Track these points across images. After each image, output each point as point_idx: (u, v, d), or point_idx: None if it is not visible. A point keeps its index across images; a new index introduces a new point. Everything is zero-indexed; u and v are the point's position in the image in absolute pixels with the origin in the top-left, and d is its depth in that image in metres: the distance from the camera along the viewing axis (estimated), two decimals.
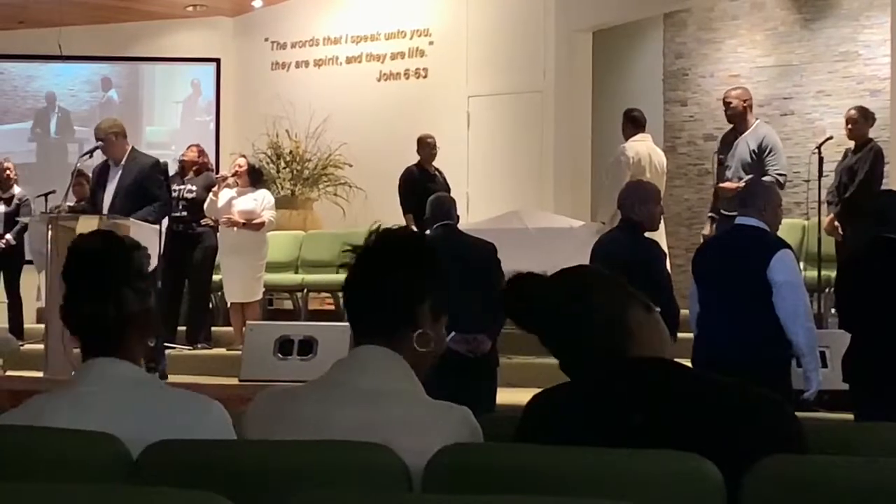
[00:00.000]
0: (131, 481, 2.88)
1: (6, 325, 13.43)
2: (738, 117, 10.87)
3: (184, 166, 13.00)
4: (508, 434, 3.09)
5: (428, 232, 8.07)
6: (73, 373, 9.38)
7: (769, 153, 10.68)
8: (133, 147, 11.54)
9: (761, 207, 6.94)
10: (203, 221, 12.77)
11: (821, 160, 11.25)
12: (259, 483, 2.79)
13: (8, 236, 13.97)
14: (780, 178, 10.53)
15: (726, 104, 10.98)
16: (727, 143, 10.94)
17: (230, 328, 13.05)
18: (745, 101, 10.92)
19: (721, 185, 10.82)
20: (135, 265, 3.28)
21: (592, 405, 2.96)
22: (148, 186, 11.03)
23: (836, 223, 11.11)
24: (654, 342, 3.08)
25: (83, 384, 3.23)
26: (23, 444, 3.06)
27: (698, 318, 7.02)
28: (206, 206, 12.59)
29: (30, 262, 13.60)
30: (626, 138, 11.98)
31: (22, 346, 13.08)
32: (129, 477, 2.91)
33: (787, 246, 6.87)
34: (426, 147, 13.55)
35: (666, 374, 2.96)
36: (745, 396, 2.90)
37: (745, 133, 10.81)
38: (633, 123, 12.04)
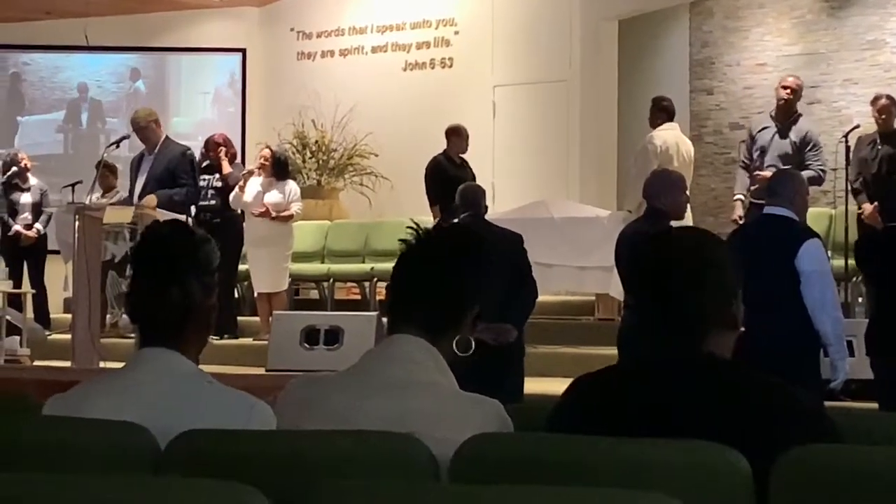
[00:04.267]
0: (159, 472, 2.89)
1: (32, 316, 13.48)
2: (793, 105, 11.07)
3: (213, 165, 12.94)
4: (537, 424, 3.10)
5: (456, 221, 8.07)
6: (99, 364, 9.45)
7: (812, 148, 10.87)
8: (167, 136, 11.67)
9: (791, 196, 6.94)
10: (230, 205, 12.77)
11: (847, 149, 11.23)
12: (287, 473, 2.79)
13: (38, 225, 14.03)
14: (822, 174, 10.73)
15: (793, 90, 11.11)
16: (772, 131, 11.06)
17: (256, 318, 13.09)
18: (800, 91, 11.21)
19: (760, 174, 10.79)
20: (203, 257, 3.28)
21: (631, 393, 2.97)
22: (176, 175, 11.15)
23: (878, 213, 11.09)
24: (723, 349, 3.06)
25: (134, 373, 3.24)
26: (51, 433, 3.07)
27: None
28: (231, 198, 12.62)
29: (53, 252, 13.66)
30: (654, 126, 11.94)
31: (49, 335, 13.15)
32: (157, 467, 2.92)
33: (816, 235, 6.88)
34: (461, 138, 13.38)
35: (705, 366, 2.96)
36: (782, 396, 2.90)
37: (787, 123, 10.95)
38: (663, 112, 12.01)
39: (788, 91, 11.06)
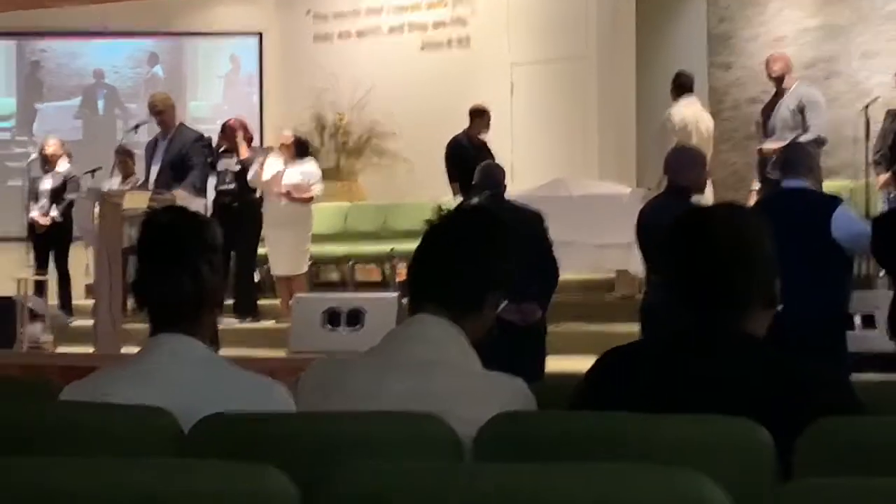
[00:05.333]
0: (183, 454, 2.90)
1: (56, 302, 13.51)
2: (786, 75, 11.33)
3: (230, 149, 12.92)
4: (559, 402, 3.09)
5: (475, 200, 8.04)
6: (121, 349, 9.47)
7: (810, 108, 11.04)
8: (181, 122, 11.72)
9: (808, 169, 6.95)
10: (252, 188, 12.74)
11: (867, 121, 11.22)
12: (310, 454, 2.79)
13: (53, 213, 14.02)
14: (822, 134, 10.90)
15: (778, 59, 11.50)
16: (771, 105, 11.35)
17: (276, 301, 13.10)
18: (789, 60, 11.53)
19: (764, 146, 10.96)
20: (208, 239, 3.29)
21: (656, 367, 2.96)
22: (187, 158, 11.19)
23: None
24: (759, 328, 3.05)
25: (152, 358, 3.24)
26: (75, 417, 3.08)
27: None
28: (250, 176, 12.58)
29: (78, 239, 13.69)
30: (675, 101, 11.97)
31: (71, 322, 13.18)
32: (181, 450, 2.92)
33: (840, 200, 6.90)
34: (483, 120, 13.37)
35: (743, 345, 2.96)
36: (807, 371, 2.90)
37: (785, 95, 11.20)
38: (677, 87, 12.02)
39: (777, 64, 11.42)
